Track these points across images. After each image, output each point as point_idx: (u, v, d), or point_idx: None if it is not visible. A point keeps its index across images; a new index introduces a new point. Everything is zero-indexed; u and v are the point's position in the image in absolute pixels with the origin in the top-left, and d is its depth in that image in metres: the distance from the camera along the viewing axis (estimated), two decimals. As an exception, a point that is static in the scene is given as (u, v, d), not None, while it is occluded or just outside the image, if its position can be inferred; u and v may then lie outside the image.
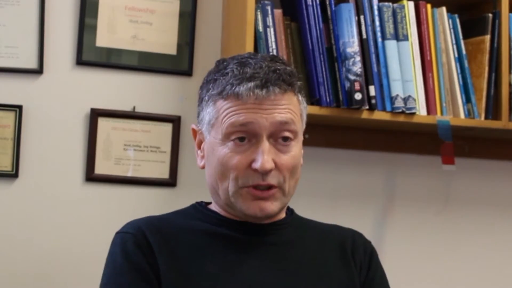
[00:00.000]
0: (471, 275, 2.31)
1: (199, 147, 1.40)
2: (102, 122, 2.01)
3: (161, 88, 2.07)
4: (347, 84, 1.93)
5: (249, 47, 1.87)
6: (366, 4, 1.99)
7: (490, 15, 2.11)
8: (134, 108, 2.04)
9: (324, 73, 1.93)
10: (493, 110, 2.10)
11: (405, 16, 2.02)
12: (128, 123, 2.03)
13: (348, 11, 1.95)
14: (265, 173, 1.28)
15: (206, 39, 2.12)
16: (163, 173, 2.05)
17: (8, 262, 1.93)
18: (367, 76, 1.95)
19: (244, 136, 1.29)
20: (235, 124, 1.29)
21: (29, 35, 1.97)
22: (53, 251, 1.96)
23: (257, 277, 1.31)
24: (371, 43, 1.98)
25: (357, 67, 1.93)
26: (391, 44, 2.00)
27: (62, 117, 2.00)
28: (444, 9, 2.09)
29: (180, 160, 2.06)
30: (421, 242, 2.27)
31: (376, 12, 2.00)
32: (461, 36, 2.10)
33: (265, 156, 1.27)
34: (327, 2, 1.96)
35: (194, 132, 1.41)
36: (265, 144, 1.28)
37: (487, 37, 2.10)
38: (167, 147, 2.06)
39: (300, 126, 1.35)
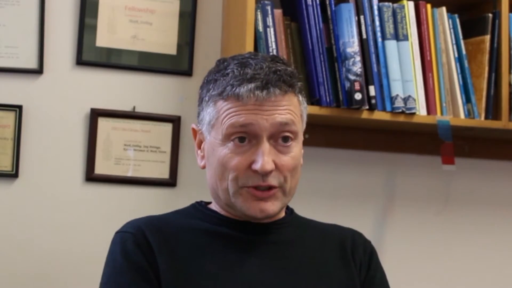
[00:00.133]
0: (471, 275, 2.31)
1: (199, 147, 1.40)
2: (102, 122, 2.01)
3: (161, 88, 2.07)
4: (347, 84, 1.93)
5: (249, 47, 1.87)
6: (366, 4, 1.99)
7: (490, 15, 2.11)
8: (134, 108, 2.04)
9: (324, 73, 1.93)
10: (493, 110, 2.10)
11: (405, 16, 2.02)
12: (128, 123, 2.03)
13: (348, 11, 1.95)
14: (265, 174, 1.28)
15: (206, 39, 2.11)
16: (163, 173, 2.05)
17: (8, 262, 1.93)
18: (367, 76, 1.95)
19: (244, 136, 1.29)
20: (235, 125, 1.28)
21: (29, 35, 1.97)
22: (53, 251, 1.96)
23: (257, 276, 1.31)
24: (371, 43, 1.97)
25: (357, 67, 1.93)
26: (391, 44, 2.00)
27: (62, 117, 2.00)
28: (444, 9, 2.09)
29: (180, 160, 2.06)
30: (421, 242, 2.27)
31: (376, 12, 2.00)
32: (461, 36, 2.10)
33: (265, 158, 1.27)
34: (327, 2, 1.96)
35: (194, 132, 1.40)
36: (265, 145, 1.28)
37: (487, 37, 2.10)
38: (167, 147, 2.05)
39: (300, 127, 1.35)
